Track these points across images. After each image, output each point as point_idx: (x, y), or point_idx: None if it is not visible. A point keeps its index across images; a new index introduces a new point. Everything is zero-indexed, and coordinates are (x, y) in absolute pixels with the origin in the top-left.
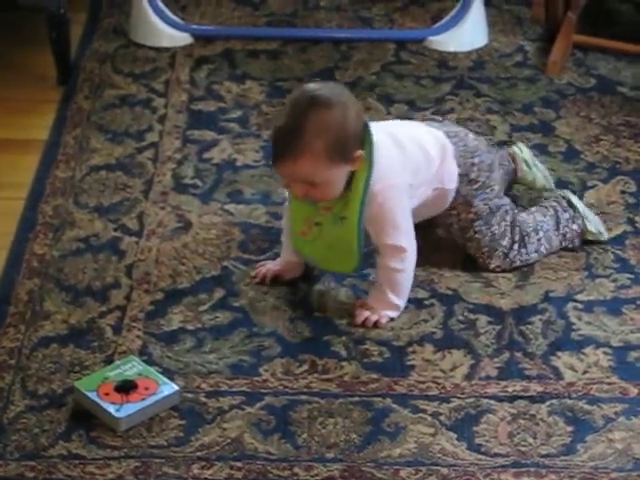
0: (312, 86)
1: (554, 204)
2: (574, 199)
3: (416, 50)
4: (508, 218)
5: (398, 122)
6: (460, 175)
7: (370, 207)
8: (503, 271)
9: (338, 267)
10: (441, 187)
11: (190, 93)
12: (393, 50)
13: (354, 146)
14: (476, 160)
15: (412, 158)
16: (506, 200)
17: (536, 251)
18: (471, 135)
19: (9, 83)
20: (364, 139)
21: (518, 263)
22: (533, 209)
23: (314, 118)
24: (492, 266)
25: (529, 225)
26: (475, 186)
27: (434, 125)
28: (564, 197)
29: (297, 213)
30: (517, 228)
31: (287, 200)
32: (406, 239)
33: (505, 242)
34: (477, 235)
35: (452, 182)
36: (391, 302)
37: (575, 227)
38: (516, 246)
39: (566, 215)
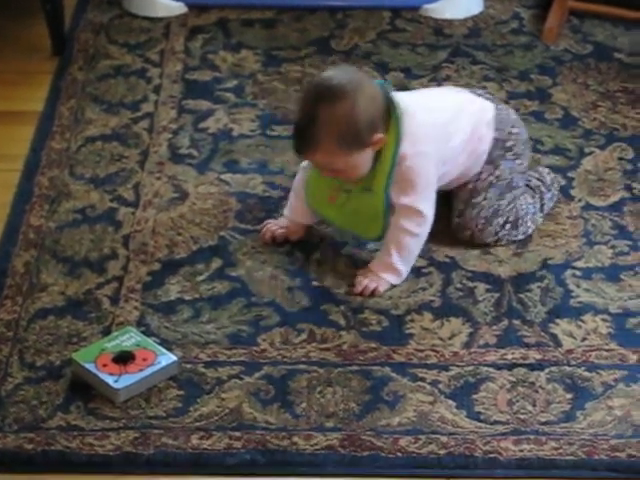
0: (322, 77)
1: (538, 183)
2: (552, 178)
3: (411, 18)
4: (515, 202)
5: (435, 90)
6: (496, 139)
7: (398, 169)
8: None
9: (363, 232)
10: (476, 151)
11: (185, 63)
12: (388, 18)
13: (370, 131)
14: (514, 130)
15: (444, 128)
16: (523, 185)
17: (524, 233)
18: (512, 111)
19: (3, 55)
20: (390, 116)
21: (504, 242)
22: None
23: (322, 113)
24: (479, 241)
25: (522, 208)
26: (508, 153)
27: (477, 92)
28: (548, 174)
29: (324, 180)
30: (514, 210)
31: (309, 166)
32: (426, 204)
33: (500, 220)
34: (483, 202)
35: (485, 144)
36: (394, 266)
37: (552, 204)
38: (508, 227)
39: (548, 195)
